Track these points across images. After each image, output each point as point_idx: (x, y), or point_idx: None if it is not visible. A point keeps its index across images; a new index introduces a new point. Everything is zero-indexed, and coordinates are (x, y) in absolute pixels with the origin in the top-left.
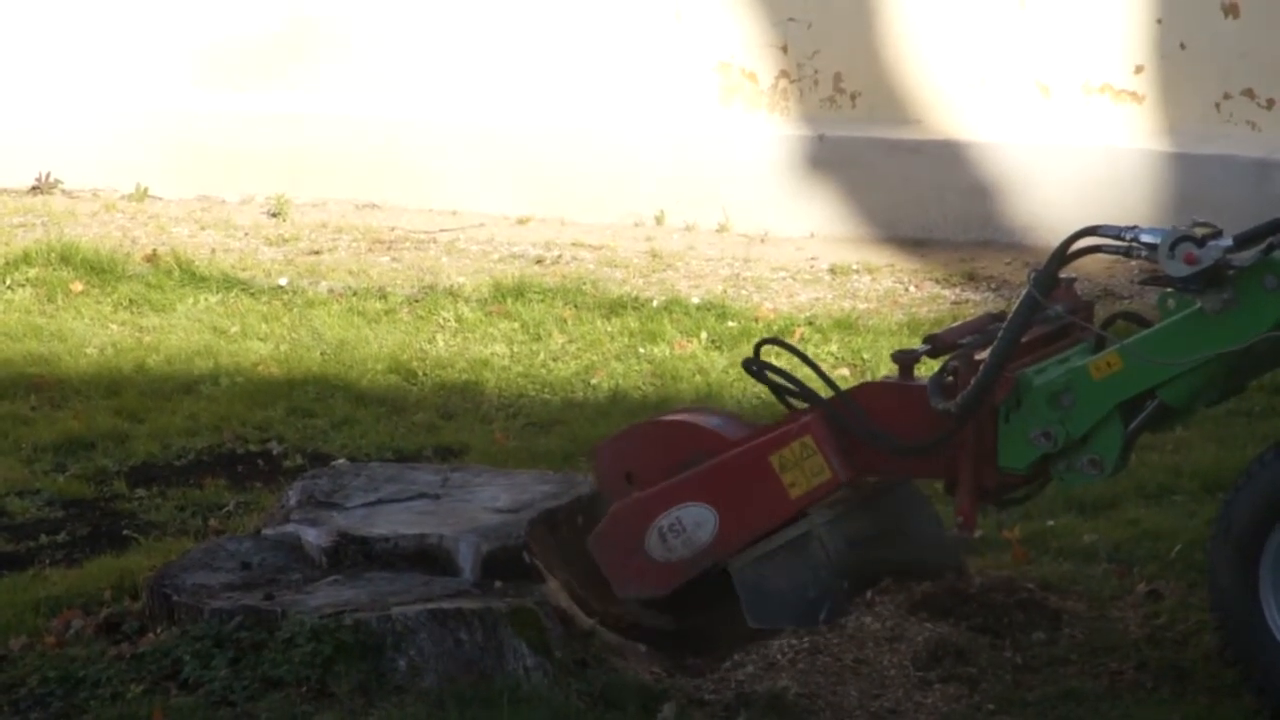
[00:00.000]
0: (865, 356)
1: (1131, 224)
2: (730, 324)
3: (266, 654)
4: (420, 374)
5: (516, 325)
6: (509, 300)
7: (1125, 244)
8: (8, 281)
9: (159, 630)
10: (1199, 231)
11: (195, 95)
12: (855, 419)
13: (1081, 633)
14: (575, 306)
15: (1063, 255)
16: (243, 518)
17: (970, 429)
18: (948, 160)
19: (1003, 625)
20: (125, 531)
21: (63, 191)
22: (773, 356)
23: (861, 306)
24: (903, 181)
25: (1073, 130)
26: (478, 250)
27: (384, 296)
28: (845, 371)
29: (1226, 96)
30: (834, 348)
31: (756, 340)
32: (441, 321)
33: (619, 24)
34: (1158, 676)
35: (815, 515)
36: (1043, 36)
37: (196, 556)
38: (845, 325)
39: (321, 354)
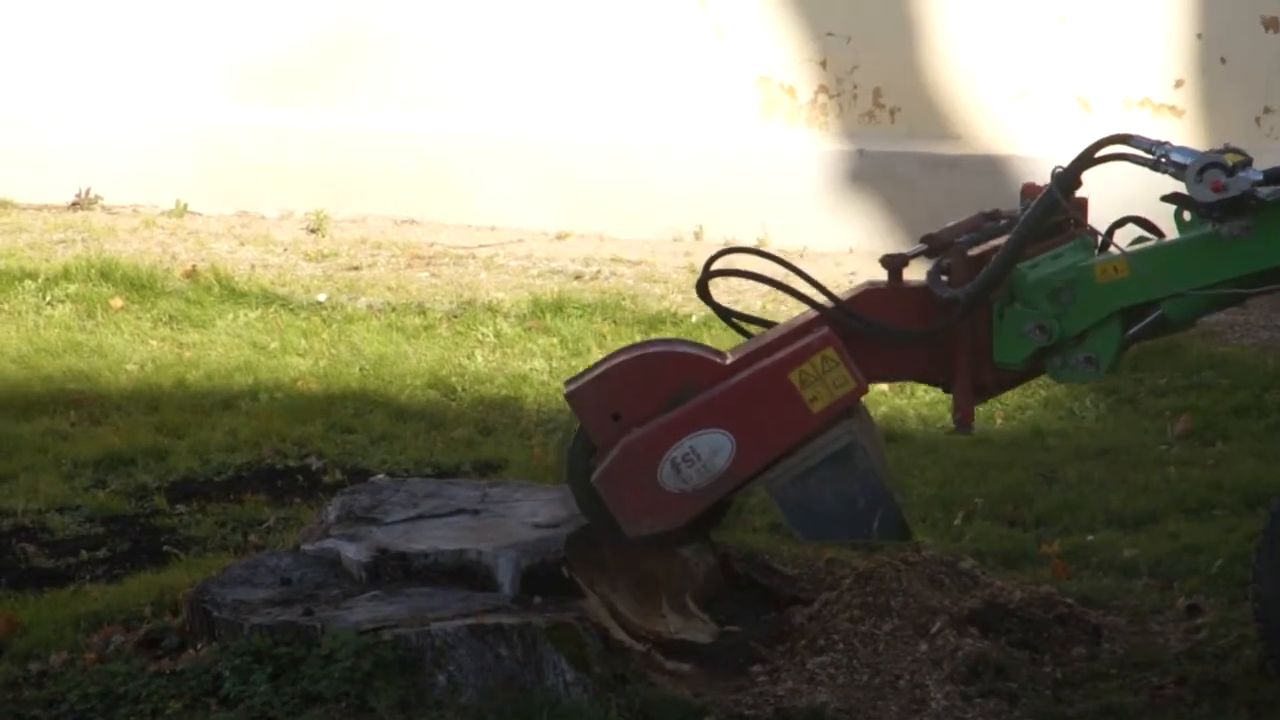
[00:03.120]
0: None
1: (1164, 140)
2: None
3: (306, 669)
4: (459, 389)
5: (555, 341)
6: (548, 316)
7: (1154, 158)
8: (48, 297)
9: (199, 646)
10: (1229, 159)
11: (234, 111)
12: (865, 323)
13: (1122, 647)
14: (614, 322)
15: (1090, 157)
16: (282, 533)
17: (966, 326)
18: (987, 174)
19: (1042, 640)
20: (165, 547)
21: (103, 208)
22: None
23: None
24: (942, 196)
25: None
26: (516, 266)
27: (423, 312)
28: (882, 385)
29: (1267, 110)
30: None
31: (710, 255)
32: (480, 337)
33: (659, 40)
34: (1199, 691)
35: (849, 425)
36: (1083, 51)
37: (236, 572)
38: None
39: (360, 369)
